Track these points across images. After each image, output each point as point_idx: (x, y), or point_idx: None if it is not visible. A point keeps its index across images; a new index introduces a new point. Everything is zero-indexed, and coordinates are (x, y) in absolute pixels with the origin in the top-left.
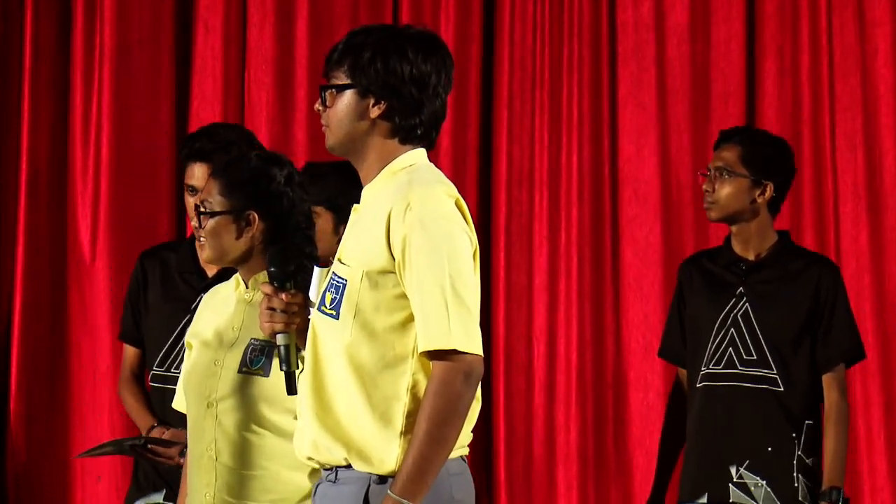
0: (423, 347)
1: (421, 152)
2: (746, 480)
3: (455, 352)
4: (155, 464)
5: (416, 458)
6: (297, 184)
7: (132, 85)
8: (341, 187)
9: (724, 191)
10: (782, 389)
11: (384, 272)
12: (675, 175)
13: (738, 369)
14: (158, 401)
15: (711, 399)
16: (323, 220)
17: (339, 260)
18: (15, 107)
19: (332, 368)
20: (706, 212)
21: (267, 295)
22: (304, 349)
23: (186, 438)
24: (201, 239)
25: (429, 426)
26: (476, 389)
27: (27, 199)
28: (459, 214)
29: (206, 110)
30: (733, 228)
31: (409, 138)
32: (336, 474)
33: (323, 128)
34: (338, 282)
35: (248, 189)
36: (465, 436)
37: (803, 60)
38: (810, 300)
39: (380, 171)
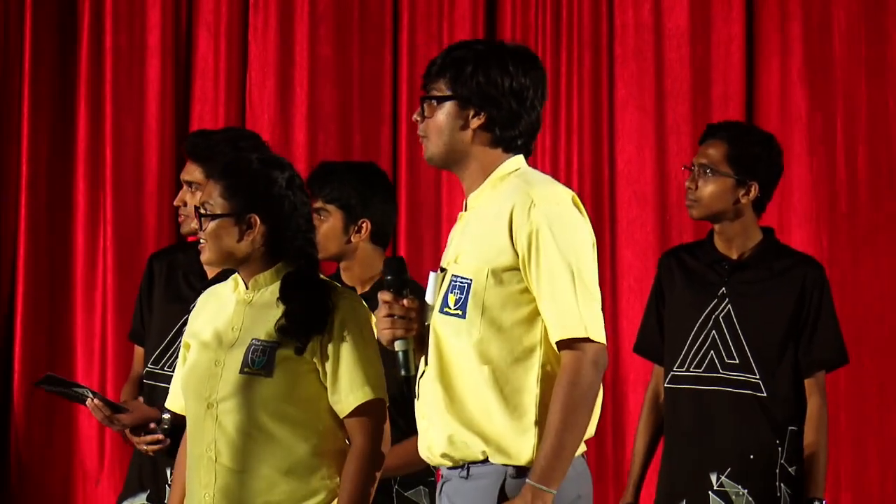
0: (557, 337)
1: (521, 158)
2: (727, 489)
3: (585, 340)
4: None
5: (552, 444)
6: (298, 187)
7: (133, 87)
8: (354, 188)
9: (708, 189)
10: (765, 395)
11: (509, 269)
12: (675, 177)
13: (719, 373)
14: (148, 398)
15: (691, 403)
16: (333, 219)
17: (456, 262)
18: (16, 108)
19: (461, 367)
20: (688, 209)
21: (386, 302)
22: (422, 353)
23: (146, 414)
24: (202, 241)
25: (563, 413)
26: (603, 376)
27: (28, 199)
28: (578, 210)
29: (207, 113)
30: (716, 227)
31: (509, 148)
32: (468, 471)
33: (421, 139)
34: (461, 282)
35: (249, 192)
36: (588, 431)
37: (803, 60)
38: (795, 301)
39: (485, 179)
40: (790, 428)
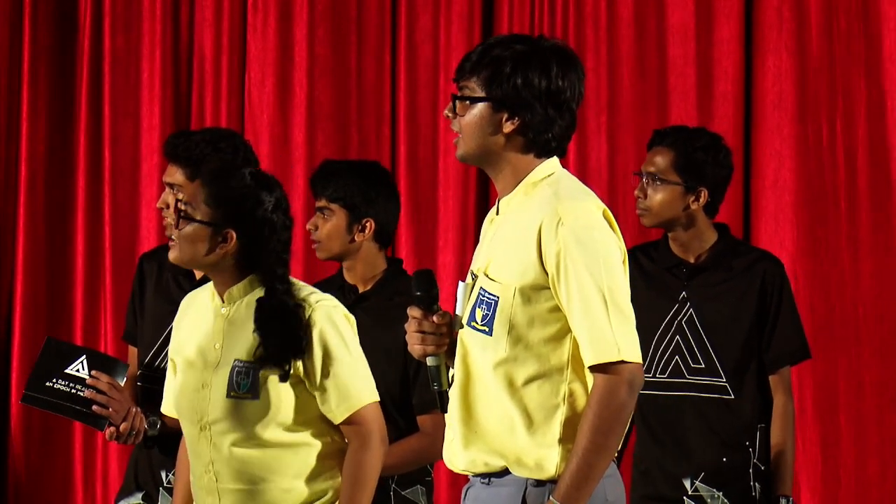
0: (590, 361)
1: (555, 161)
2: (702, 493)
3: (620, 362)
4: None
5: (580, 465)
6: (284, 210)
7: (131, 88)
8: (358, 187)
9: (657, 198)
10: (732, 397)
11: (537, 287)
12: None
13: (685, 378)
14: (145, 400)
15: (659, 409)
16: (337, 218)
17: (486, 274)
18: (15, 108)
19: (486, 382)
20: (639, 217)
21: (416, 319)
22: (452, 366)
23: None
24: (173, 238)
25: (593, 436)
26: (636, 396)
27: (27, 199)
28: (608, 225)
29: (206, 113)
30: (669, 234)
31: (543, 152)
32: (489, 479)
33: (456, 138)
34: (489, 298)
35: (234, 207)
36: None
37: (805, 59)
38: (756, 299)
39: (517, 183)
40: (759, 426)
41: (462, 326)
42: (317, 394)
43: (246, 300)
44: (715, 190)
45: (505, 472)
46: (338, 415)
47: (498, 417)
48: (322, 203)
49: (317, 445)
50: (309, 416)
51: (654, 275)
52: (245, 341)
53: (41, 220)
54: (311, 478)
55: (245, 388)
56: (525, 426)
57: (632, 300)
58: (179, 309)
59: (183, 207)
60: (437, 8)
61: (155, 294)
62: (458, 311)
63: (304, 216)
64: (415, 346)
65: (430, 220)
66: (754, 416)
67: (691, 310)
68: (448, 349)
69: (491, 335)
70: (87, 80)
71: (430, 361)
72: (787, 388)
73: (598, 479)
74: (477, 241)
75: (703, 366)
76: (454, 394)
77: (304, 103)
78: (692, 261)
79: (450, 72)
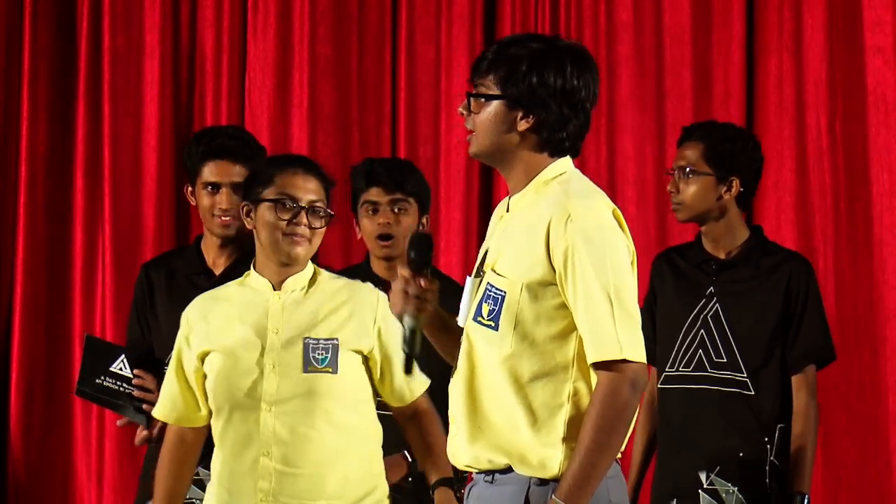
0: (593, 359)
1: (568, 161)
2: (717, 487)
3: (623, 361)
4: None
5: (582, 464)
6: None
7: (131, 87)
8: (424, 182)
9: (690, 190)
10: (753, 393)
11: (544, 284)
12: None
13: (707, 372)
14: None
15: (680, 402)
16: (412, 212)
17: (494, 270)
18: (15, 108)
19: (491, 378)
20: (674, 213)
21: (404, 278)
22: (453, 362)
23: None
24: (299, 237)
25: (596, 434)
26: (640, 396)
27: (26, 199)
28: (617, 225)
29: (207, 112)
30: (703, 228)
31: (556, 151)
32: (493, 476)
33: (469, 135)
34: (495, 293)
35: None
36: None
37: (805, 61)
38: (782, 298)
39: (529, 181)
40: (779, 426)
41: (468, 316)
42: (393, 370)
43: (301, 285)
44: (746, 180)
45: (508, 469)
46: (420, 387)
47: (503, 414)
48: (398, 196)
49: (375, 435)
50: (369, 396)
51: (685, 272)
52: (314, 320)
53: (41, 220)
54: (367, 467)
55: (324, 362)
56: (529, 424)
57: (661, 298)
58: (196, 310)
59: (315, 209)
60: (439, 8)
61: (169, 301)
62: (464, 306)
63: None
64: (396, 302)
65: (432, 220)
66: (774, 415)
67: (717, 305)
68: (432, 324)
69: (497, 330)
70: (87, 79)
71: (406, 323)
72: (810, 388)
73: (601, 479)
74: (480, 240)
75: (725, 360)
76: (458, 388)
77: (305, 103)
78: (722, 257)
79: (451, 72)
